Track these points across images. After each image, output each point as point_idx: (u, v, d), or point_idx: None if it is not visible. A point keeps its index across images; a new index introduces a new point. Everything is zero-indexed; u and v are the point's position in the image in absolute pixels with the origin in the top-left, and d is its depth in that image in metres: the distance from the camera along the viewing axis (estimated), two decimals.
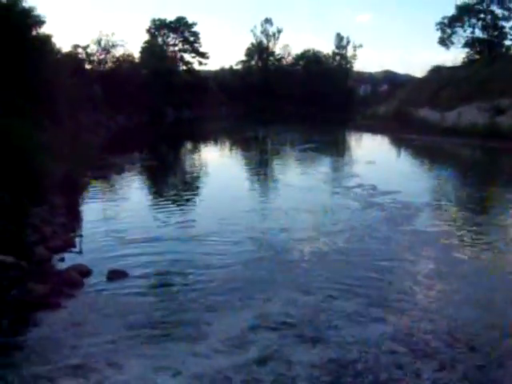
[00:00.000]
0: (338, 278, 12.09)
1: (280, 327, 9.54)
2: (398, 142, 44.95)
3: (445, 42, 68.29)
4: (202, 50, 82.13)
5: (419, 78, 69.86)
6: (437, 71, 63.36)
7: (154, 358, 8.39)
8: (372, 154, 35.60)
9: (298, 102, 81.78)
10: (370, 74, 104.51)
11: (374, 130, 52.63)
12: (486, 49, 66.02)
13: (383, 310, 10.31)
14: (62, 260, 12.56)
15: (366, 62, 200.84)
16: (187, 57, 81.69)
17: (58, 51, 43.99)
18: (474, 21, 66.24)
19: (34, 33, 29.88)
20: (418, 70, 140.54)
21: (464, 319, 9.95)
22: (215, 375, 7.96)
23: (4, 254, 11.08)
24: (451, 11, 68.01)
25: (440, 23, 67.93)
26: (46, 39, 33.29)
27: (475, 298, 10.98)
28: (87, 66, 62.41)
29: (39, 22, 30.21)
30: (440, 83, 56.38)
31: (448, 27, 67.67)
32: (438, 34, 68.51)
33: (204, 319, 9.79)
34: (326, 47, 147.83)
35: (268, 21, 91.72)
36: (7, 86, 21.19)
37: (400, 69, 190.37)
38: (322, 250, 14.30)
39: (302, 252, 14.05)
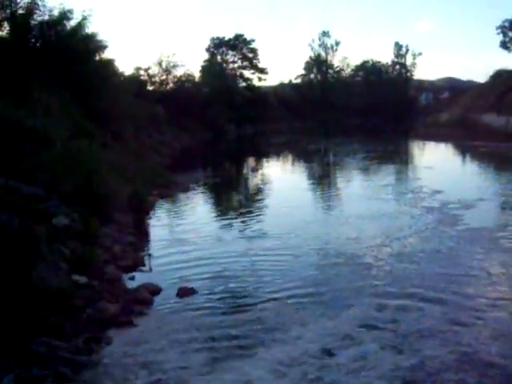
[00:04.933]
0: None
1: (360, 339, 9.46)
2: (462, 149, 43.96)
3: (506, 45, 66.61)
4: (260, 65, 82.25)
5: (482, 84, 68.32)
6: (500, 76, 61.75)
7: (228, 375, 8.40)
8: (435, 163, 34.93)
9: (359, 113, 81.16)
10: (431, 82, 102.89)
11: (436, 137, 51.60)
12: None
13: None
14: (132, 278, 12.77)
15: (427, 69, 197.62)
16: (246, 73, 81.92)
17: (121, 74, 45.16)
18: None
19: (97, 57, 30.77)
20: (481, 76, 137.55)
21: None
22: None
23: (77, 273, 11.33)
24: None
25: (501, 26, 66.38)
26: (109, 63, 34.27)
27: None
28: (149, 87, 63.51)
29: (102, 47, 31.14)
30: (504, 88, 54.91)
31: (509, 30, 66.00)
32: (500, 37, 67.02)
33: (277, 334, 9.77)
34: (385, 56, 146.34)
35: (325, 33, 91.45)
36: (74, 109, 21.80)
37: (461, 75, 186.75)
38: (393, 252, 14.60)
39: (376, 257, 14.25)
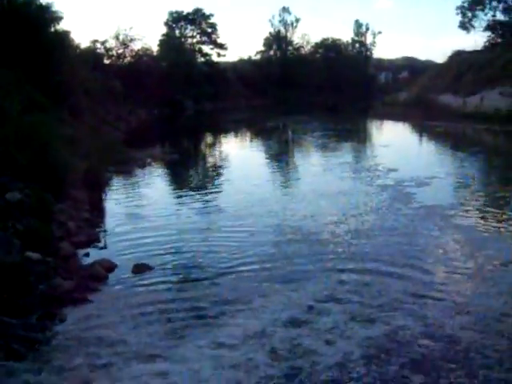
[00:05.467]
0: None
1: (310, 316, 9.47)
2: (419, 128, 44.54)
3: (465, 25, 67.27)
4: (219, 41, 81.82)
5: (440, 64, 69.09)
6: (458, 56, 62.49)
7: (191, 345, 8.43)
8: (392, 142, 35.41)
9: (318, 90, 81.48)
10: (391, 61, 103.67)
11: (395, 117, 52.18)
12: (508, 32, 64.73)
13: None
14: (87, 255, 12.62)
15: (387, 48, 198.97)
16: (205, 48, 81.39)
17: (77, 47, 44.35)
18: (494, 3, 65.09)
19: (52, 29, 30.12)
20: (439, 56, 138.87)
21: None
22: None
23: (30, 250, 11.16)
24: None
25: (460, 7, 66.99)
26: (65, 35, 33.57)
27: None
28: (106, 61, 62.59)
29: (57, 18, 30.50)
30: (461, 68, 55.71)
31: (468, 10, 66.65)
32: (459, 18, 67.65)
33: (239, 306, 9.80)
34: (346, 35, 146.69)
35: (286, 10, 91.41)
36: (28, 83, 21.33)
37: (421, 55, 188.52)
38: (350, 228, 14.72)
39: (333, 233, 14.34)
